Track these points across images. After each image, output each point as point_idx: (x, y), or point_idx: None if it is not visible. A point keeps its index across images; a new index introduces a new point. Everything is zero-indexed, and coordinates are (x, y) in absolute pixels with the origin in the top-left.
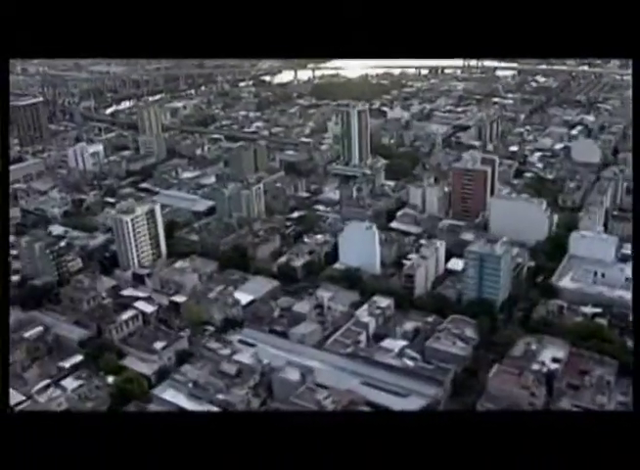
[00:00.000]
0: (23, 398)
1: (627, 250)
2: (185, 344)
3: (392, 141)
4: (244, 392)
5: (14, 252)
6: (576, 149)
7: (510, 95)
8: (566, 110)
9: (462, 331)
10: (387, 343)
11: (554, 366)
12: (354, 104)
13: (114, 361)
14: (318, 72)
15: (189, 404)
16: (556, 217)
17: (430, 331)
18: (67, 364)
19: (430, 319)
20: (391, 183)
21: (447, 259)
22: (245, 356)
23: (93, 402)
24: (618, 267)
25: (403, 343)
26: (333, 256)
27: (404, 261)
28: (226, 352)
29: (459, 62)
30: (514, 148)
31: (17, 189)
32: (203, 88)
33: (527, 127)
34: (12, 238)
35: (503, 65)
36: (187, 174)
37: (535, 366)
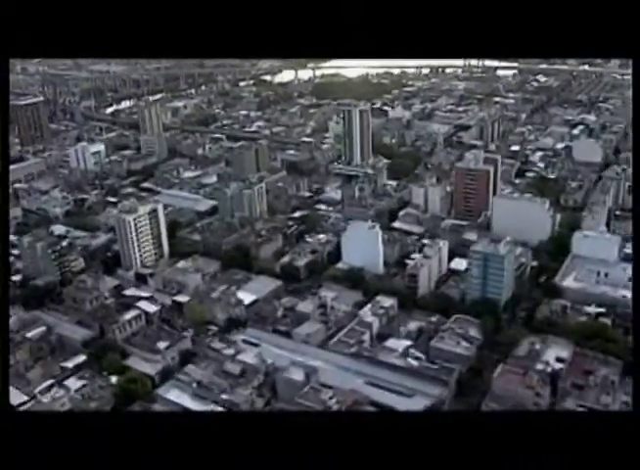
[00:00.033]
0: (27, 398)
1: (630, 249)
2: (188, 344)
3: (394, 140)
4: (248, 392)
5: (15, 251)
6: (578, 148)
7: (511, 94)
8: (567, 109)
9: (466, 331)
10: (390, 342)
11: (558, 366)
12: (356, 103)
13: (118, 361)
14: (319, 72)
15: (193, 404)
16: (558, 217)
17: (433, 331)
18: (70, 364)
19: (433, 319)
20: (393, 183)
21: (450, 259)
22: (249, 356)
23: (97, 403)
24: (622, 267)
25: (407, 343)
26: (335, 255)
27: (407, 261)
28: (230, 351)
29: (459, 61)
30: (515, 147)
31: (18, 189)
32: (203, 88)
33: (529, 127)
34: (14, 238)
35: (504, 64)
36: (188, 174)
37: (540, 366)
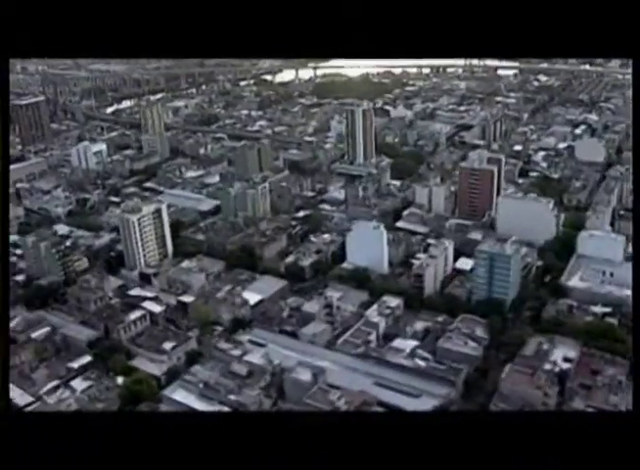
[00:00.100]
0: (32, 399)
1: None
2: (194, 344)
3: (396, 140)
4: (255, 393)
5: (19, 251)
6: (580, 148)
7: (512, 94)
8: (568, 109)
9: (472, 331)
10: (397, 343)
11: (566, 366)
12: (359, 103)
13: (124, 362)
14: (319, 71)
15: (200, 405)
16: (562, 217)
17: (440, 331)
18: (75, 365)
19: (440, 319)
20: (397, 183)
21: (455, 259)
22: (255, 357)
23: (103, 404)
24: (627, 267)
25: (414, 343)
26: (340, 255)
27: (412, 261)
28: (237, 352)
29: (460, 61)
30: (518, 147)
31: (20, 188)
32: (204, 87)
33: (531, 127)
34: (16, 237)
35: (504, 64)
36: (191, 173)
37: (547, 366)
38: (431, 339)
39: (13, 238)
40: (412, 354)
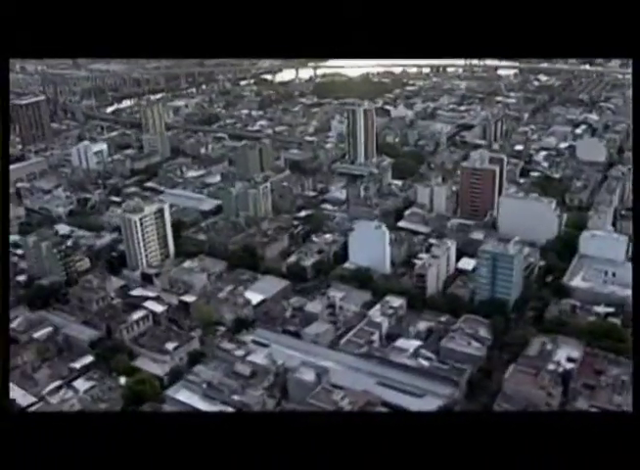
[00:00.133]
0: (35, 399)
1: None
2: (197, 344)
3: (397, 140)
4: (259, 393)
5: (20, 251)
6: (582, 148)
7: (512, 94)
8: (569, 109)
9: (476, 331)
10: (400, 343)
11: (569, 366)
12: (360, 103)
13: (126, 362)
14: (319, 71)
15: (203, 406)
16: (565, 217)
17: (443, 331)
18: (77, 365)
19: (443, 319)
20: (398, 182)
21: (457, 259)
22: (259, 357)
23: (106, 404)
24: (629, 267)
25: (417, 343)
26: (342, 255)
27: (414, 261)
28: (240, 352)
29: (460, 61)
30: (519, 147)
31: (20, 188)
32: (204, 87)
33: (531, 126)
34: (17, 237)
35: (504, 63)
36: (192, 173)
37: (551, 366)
38: (434, 339)
39: (14, 238)
40: (415, 354)
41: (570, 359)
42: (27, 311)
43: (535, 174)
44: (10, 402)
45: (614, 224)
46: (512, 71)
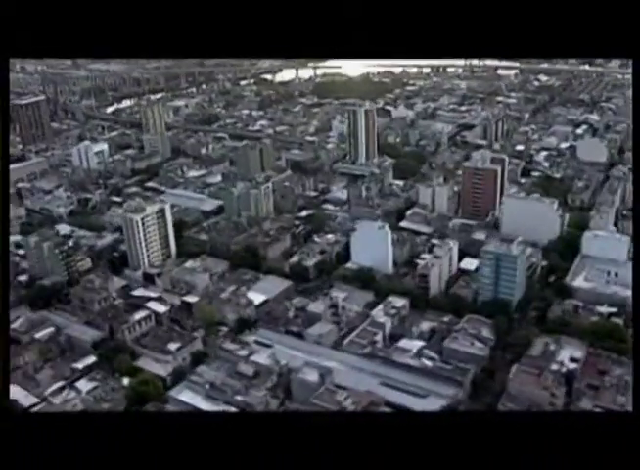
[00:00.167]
0: (38, 400)
1: None
2: (199, 344)
3: (398, 140)
4: (262, 393)
5: (21, 251)
6: (583, 148)
7: (513, 94)
8: (569, 109)
9: (479, 331)
10: (403, 343)
11: (572, 366)
12: (361, 103)
13: (129, 363)
14: (319, 71)
15: (206, 406)
16: (567, 217)
17: (446, 331)
18: (80, 366)
19: (445, 319)
20: (400, 183)
21: (459, 259)
22: (262, 357)
23: (109, 404)
24: (632, 267)
25: (420, 343)
26: (344, 255)
27: (417, 261)
28: (243, 352)
29: (460, 61)
30: (520, 147)
31: (21, 188)
32: (204, 87)
33: (532, 126)
34: (19, 237)
35: (504, 63)
36: (193, 173)
37: (554, 366)
38: (437, 339)
39: (15, 238)
40: (418, 355)
41: (573, 360)
42: (29, 312)
43: (536, 174)
44: (12, 403)
45: (615, 224)
46: (512, 72)
